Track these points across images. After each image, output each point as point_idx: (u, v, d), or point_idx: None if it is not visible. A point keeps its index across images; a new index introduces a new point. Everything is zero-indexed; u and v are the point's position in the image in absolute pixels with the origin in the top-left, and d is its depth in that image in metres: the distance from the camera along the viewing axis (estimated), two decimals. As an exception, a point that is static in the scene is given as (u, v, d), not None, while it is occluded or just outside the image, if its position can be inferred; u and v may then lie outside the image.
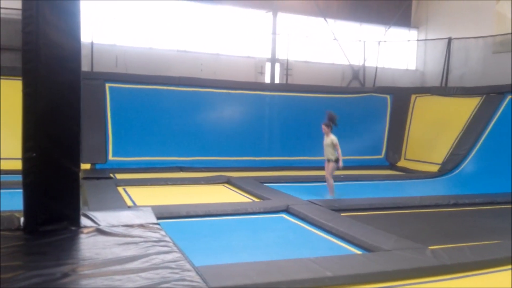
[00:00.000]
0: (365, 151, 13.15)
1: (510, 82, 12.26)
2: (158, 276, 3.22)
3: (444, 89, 13.86)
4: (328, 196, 8.39)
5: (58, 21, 4.15)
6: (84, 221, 4.41)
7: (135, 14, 13.65)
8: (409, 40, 17.49)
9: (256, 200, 7.84)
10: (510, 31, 13.92)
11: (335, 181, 9.18)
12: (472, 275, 4.37)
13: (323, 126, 8.49)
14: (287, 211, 6.96)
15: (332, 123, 8.49)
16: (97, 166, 10.56)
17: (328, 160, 8.44)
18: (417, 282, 4.13)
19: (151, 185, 8.91)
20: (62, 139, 4.26)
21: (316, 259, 4.37)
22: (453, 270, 4.37)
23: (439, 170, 11.75)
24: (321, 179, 9.67)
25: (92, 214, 4.65)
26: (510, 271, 4.51)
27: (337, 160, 8.39)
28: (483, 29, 14.59)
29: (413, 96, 14.21)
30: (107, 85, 11.52)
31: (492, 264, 4.59)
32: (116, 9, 13.40)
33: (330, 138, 8.35)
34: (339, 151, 8.36)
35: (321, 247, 5.44)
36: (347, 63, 16.44)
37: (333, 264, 4.26)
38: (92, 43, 12.50)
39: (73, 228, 4.24)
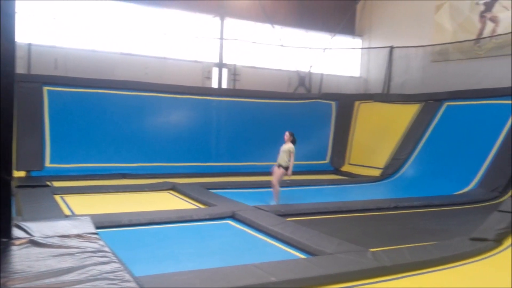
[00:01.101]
0: (310, 156, 13.38)
1: (447, 90, 12.91)
2: (95, 288, 3.08)
3: (386, 96, 14.39)
4: (273, 202, 8.44)
5: (-9, 23, 3.91)
6: (16, 232, 4.18)
7: (76, 14, 13.17)
8: (353, 48, 18.01)
9: (202, 206, 7.75)
10: (447, 41, 14.68)
11: (281, 186, 9.27)
12: (410, 275, 4.51)
13: (287, 133, 8.71)
14: (233, 217, 6.93)
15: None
16: (33, 174, 10.03)
17: (279, 166, 8.53)
18: (358, 284, 4.22)
19: (91, 193, 8.57)
20: (-7, 145, 4.01)
21: (260, 265, 4.36)
22: (392, 271, 4.50)
23: (381, 174, 12.16)
24: (268, 185, 9.75)
25: (26, 224, 4.40)
26: (446, 270, 4.71)
27: (287, 168, 8.49)
28: (423, 39, 15.28)
29: (356, 103, 14.63)
30: (45, 88, 11.02)
31: (429, 264, 4.76)
32: (56, 9, 12.87)
33: (288, 146, 8.50)
34: (292, 159, 8.50)
35: (267, 252, 5.45)
36: (294, 70, 16.68)
37: (277, 269, 4.27)
38: (29, 44, 11.93)
39: (4, 239, 3.99)
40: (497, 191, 9.41)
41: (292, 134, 8.75)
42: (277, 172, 8.54)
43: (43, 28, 12.65)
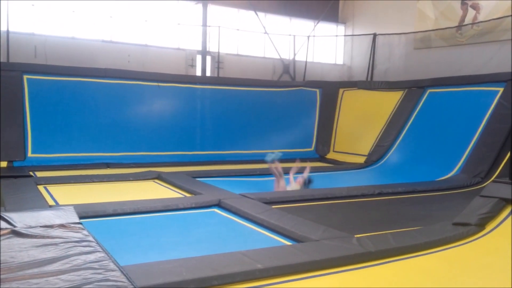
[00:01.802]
0: (296, 144, 13.39)
1: (430, 77, 13.01)
2: (79, 278, 3.05)
3: (370, 83, 14.44)
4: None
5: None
6: (-2, 223, 4.10)
7: (56, 1, 12.89)
8: (336, 35, 18.01)
9: (187, 195, 7.71)
10: (430, 28, 14.76)
11: (265, 175, 9.33)
12: (395, 260, 4.56)
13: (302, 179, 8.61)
14: (219, 205, 6.91)
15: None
16: (15, 164, 9.87)
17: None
18: (344, 270, 4.25)
19: (75, 183, 8.45)
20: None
21: (247, 252, 4.36)
22: (377, 256, 4.54)
23: (365, 161, 12.24)
24: (253, 173, 9.79)
25: (7, 215, 4.33)
26: (430, 255, 4.78)
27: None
28: (406, 26, 15.34)
29: (340, 90, 14.66)
30: (25, 76, 10.77)
31: (413, 249, 4.82)
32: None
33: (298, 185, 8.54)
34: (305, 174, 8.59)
35: (253, 240, 5.45)
36: (278, 57, 16.63)
37: (264, 256, 4.28)
38: (7, 32, 11.65)
39: (-15, 231, 3.92)
40: (479, 177, 9.55)
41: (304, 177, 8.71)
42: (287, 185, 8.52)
43: (21, 15, 12.37)
